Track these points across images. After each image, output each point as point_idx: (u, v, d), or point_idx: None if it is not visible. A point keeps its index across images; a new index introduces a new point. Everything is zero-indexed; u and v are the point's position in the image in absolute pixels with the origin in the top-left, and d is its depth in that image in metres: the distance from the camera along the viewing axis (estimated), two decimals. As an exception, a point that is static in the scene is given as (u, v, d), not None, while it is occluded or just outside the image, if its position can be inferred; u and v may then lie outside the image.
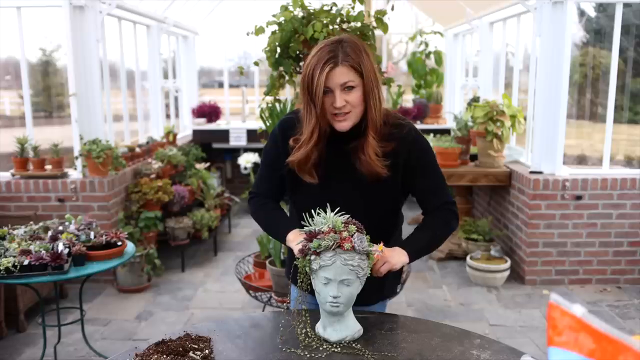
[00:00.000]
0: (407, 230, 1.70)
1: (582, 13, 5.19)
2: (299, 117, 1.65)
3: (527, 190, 4.21)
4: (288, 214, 1.84)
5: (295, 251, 1.51)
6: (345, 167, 1.63)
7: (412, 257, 1.59)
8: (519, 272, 4.37)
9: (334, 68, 1.51)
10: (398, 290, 1.92)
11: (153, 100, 5.72)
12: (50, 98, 6.90)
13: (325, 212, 1.49)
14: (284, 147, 1.67)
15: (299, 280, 1.49)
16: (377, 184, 1.62)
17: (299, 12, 3.08)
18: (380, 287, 1.74)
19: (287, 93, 5.62)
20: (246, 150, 6.60)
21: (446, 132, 6.19)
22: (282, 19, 3.05)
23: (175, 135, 5.82)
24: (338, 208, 1.49)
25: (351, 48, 1.55)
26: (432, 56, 6.93)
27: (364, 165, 1.59)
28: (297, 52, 3.02)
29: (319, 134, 1.58)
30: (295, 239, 1.57)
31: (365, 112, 1.58)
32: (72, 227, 2.73)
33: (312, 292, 1.50)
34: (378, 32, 3.16)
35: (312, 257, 1.42)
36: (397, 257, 1.55)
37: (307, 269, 1.44)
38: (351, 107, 1.55)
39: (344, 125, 1.58)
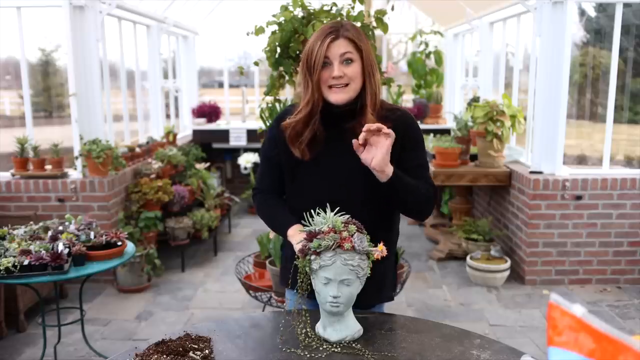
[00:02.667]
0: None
1: (582, 13, 5.19)
2: (295, 108, 1.70)
3: (527, 190, 4.21)
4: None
5: (296, 249, 1.51)
6: (343, 147, 1.62)
7: (394, 178, 1.55)
8: (519, 272, 4.37)
9: (334, 40, 1.58)
10: (394, 295, 1.93)
11: (153, 100, 5.72)
12: (50, 98, 6.91)
13: (324, 210, 1.49)
14: (281, 137, 1.69)
15: (299, 280, 1.48)
16: None
17: (299, 12, 3.08)
18: (378, 289, 1.74)
19: (287, 93, 5.63)
20: (246, 150, 6.60)
21: (446, 132, 6.18)
22: (282, 19, 3.05)
23: (175, 135, 5.82)
24: (338, 208, 1.49)
25: (351, 27, 1.63)
26: (432, 56, 6.93)
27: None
28: (297, 52, 3.02)
29: (314, 104, 1.62)
30: (294, 235, 1.59)
31: (361, 91, 1.63)
32: (72, 227, 2.73)
33: (309, 295, 1.50)
34: (378, 32, 3.16)
35: (312, 257, 1.42)
36: (387, 164, 1.52)
37: (307, 269, 1.44)
38: (349, 80, 1.60)
39: (339, 97, 1.61)
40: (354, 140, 1.51)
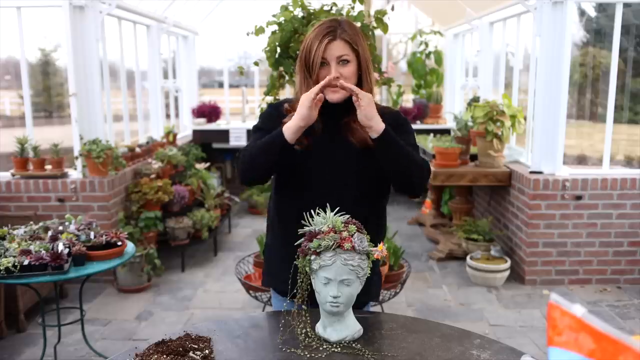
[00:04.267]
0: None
1: (582, 13, 5.19)
2: (289, 101, 1.75)
3: (527, 190, 4.21)
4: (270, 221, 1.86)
5: (296, 121, 1.57)
6: (339, 139, 1.69)
7: (385, 135, 1.57)
8: (519, 272, 4.37)
9: (332, 41, 1.62)
10: (381, 297, 1.96)
11: (153, 100, 5.72)
12: (50, 98, 6.92)
13: (324, 209, 1.48)
14: (277, 117, 1.71)
15: (299, 280, 1.48)
16: (368, 153, 1.64)
17: (299, 12, 3.08)
18: (367, 289, 1.73)
19: (287, 93, 5.63)
20: (246, 150, 6.59)
21: (446, 132, 6.19)
22: (282, 19, 3.05)
23: (175, 135, 5.82)
24: (338, 208, 1.49)
25: (349, 26, 1.66)
26: (432, 56, 6.94)
27: (356, 134, 1.65)
28: (297, 52, 3.02)
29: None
30: (287, 123, 1.59)
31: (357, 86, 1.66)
32: (72, 227, 2.73)
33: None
34: (378, 32, 3.16)
35: (312, 257, 1.42)
36: (377, 116, 1.57)
37: (307, 269, 1.44)
38: (344, 80, 1.63)
39: (336, 96, 1.65)
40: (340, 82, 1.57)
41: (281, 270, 1.74)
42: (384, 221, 1.84)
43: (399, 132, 1.70)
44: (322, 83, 1.56)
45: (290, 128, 1.58)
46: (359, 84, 1.68)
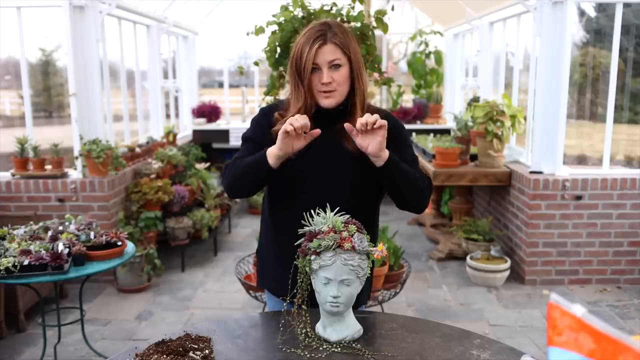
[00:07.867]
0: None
1: (582, 13, 5.19)
2: (282, 102, 1.73)
3: (527, 190, 4.21)
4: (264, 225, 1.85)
5: (280, 141, 1.52)
6: (333, 146, 1.67)
7: (390, 161, 1.57)
8: (519, 272, 4.37)
9: (322, 45, 1.59)
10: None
11: (153, 100, 5.72)
12: (50, 98, 6.92)
13: (324, 209, 1.48)
14: (268, 133, 1.69)
15: (299, 280, 1.48)
16: (363, 161, 1.62)
17: (299, 12, 3.08)
18: (361, 292, 1.72)
19: (287, 93, 5.63)
20: (246, 150, 6.59)
21: (446, 132, 6.19)
22: (282, 19, 3.06)
23: (175, 135, 5.82)
24: (338, 208, 1.48)
25: (339, 29, 1.63)
26: (432, 56, 6.94)
27: (351, 141, 1.62)
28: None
29: (306, 110, 1.63)
30: (271, 149, 1.57)
31: (350, 93, 1.65)
32: (72, 227, 2.73)
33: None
34: (378, 32, 3.16)
35: (312, 257, 1.42)
36: (383, 149, 1.54)
37: (307, 269, 1.44)
38: (337, 85, 1.62)
39: (329, 101, 1.64)
40: (346, 125, 1.52)
41: (275, 272, 1.74)
42: (377, 224, 1.83)
43: (400, 144, 1.69)
44: (287, 125, 1.50)
45: (272, 155, 1.57)
46: (351, 87, 1.65)
